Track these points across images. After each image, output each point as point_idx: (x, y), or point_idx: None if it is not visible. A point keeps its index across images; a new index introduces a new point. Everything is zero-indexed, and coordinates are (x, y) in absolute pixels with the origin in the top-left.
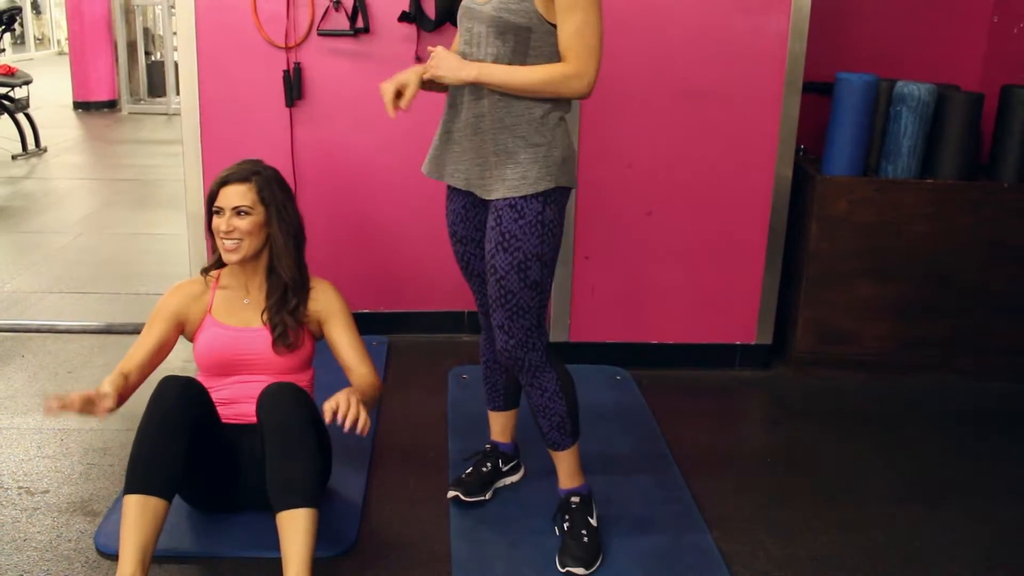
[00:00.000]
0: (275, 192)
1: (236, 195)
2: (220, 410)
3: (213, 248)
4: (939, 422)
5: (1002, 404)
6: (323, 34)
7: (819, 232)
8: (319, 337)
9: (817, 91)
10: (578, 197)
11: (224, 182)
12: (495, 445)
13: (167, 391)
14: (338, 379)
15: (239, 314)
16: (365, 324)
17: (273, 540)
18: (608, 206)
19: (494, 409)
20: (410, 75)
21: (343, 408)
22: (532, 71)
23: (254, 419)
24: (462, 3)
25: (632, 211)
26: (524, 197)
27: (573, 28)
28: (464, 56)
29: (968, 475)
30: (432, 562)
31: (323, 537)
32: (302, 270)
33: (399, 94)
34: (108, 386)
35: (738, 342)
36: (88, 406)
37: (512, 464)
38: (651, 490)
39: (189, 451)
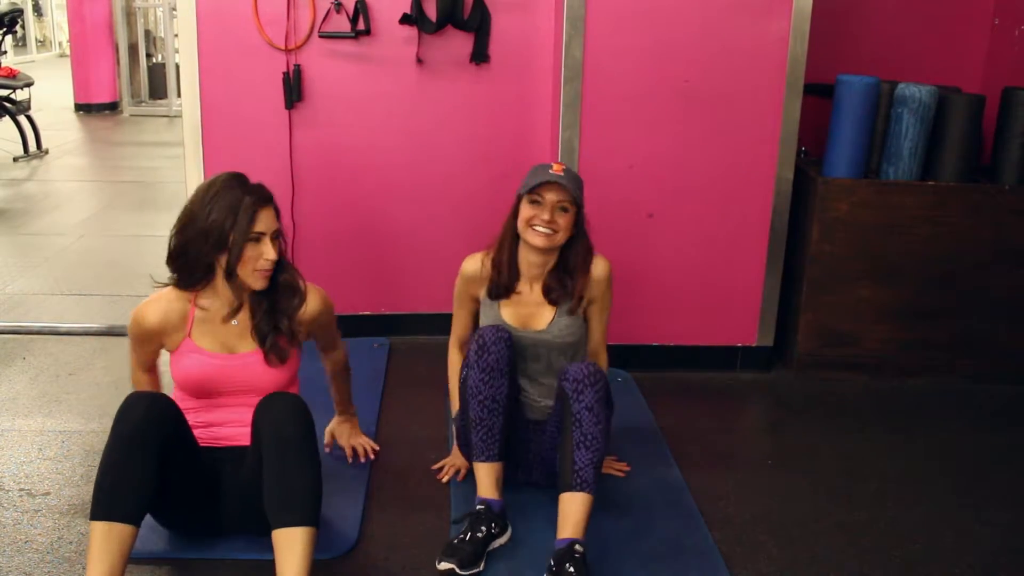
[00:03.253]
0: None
1: (272, 218)
2: (198, 432)
3: (182, 276)
4: (940, 424)
5: (1003, 406)
6: (324, 36)
7: (820, 234)
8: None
9: (818, 93)
10: None
11: (260, 204)
12: (487, 505)
13: (132, 410)
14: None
15: (223, 339)
16: (366, 326)
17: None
18: (609, 208)
19: (488, 460)
20: (456, 459)
21: (360, 451)
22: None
23: (235, 442)
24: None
25: (633, 213)
26: None
27: (604, 326)
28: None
29: (969, 477)
30: (433, 565)
31: (323, 539)
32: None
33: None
34: None
35: (739, 344)
36: None
37: (501, 525)
38: (652, 491)
39: (160, 471)
